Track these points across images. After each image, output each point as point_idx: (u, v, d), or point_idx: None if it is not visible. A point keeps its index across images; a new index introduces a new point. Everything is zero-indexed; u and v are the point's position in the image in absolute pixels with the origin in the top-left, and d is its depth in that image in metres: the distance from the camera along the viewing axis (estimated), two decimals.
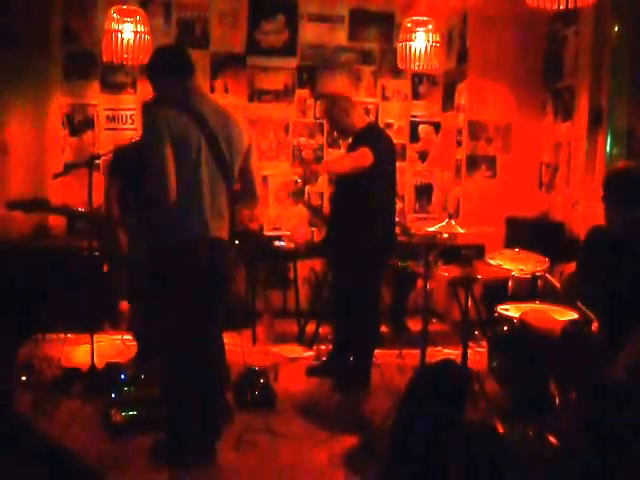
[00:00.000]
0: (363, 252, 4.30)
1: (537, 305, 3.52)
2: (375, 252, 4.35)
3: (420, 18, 5.11)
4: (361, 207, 4.29)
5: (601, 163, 5.21)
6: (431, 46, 5.12)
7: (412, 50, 5.14)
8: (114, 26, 4.79)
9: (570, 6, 3.41)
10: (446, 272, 3.99)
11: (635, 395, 2.26)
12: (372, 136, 4.33)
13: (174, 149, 3.06)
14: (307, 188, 5.91)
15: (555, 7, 3.44)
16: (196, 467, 3.28)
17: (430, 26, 5.09)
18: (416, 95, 6.45)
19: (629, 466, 2.28)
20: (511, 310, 3.53)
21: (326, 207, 5.90)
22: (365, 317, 4.44)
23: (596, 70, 5.18)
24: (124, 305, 5.40)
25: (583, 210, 5.22)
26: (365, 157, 4.13)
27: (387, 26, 6.26)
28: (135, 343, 4.66)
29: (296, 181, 5.54)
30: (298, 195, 4.91)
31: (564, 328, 2.84)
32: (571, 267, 3.14)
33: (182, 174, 3.08)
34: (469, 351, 5.21)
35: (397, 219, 5.78)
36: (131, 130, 5.91)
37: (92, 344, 4.26)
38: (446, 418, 2.34)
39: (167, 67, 3.26)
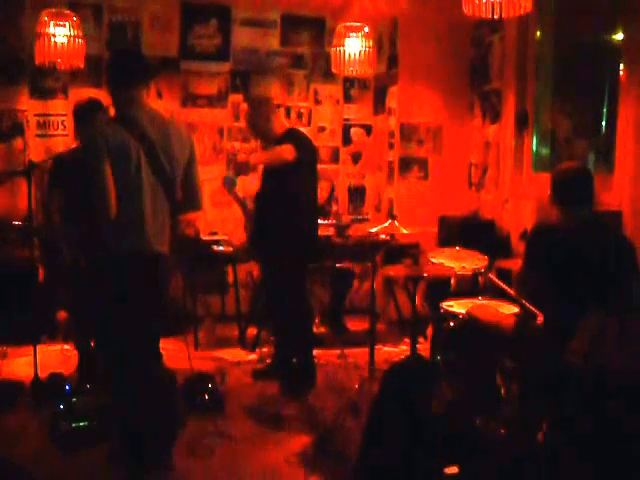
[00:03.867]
0: (285, 251, 4.40)
1: (480, 300, 3.67)
2: (296, 251, 4.44)
3: (354, 24, 5.21)
4: (283, 206, 4.39)
5: (528, 163, 5.47)
6: (365, 51, 5.21)
7: (346, 55, 5.22)
8: (46, 30, 4.69)
9: (504, 16, 3.58)
10: (391, 271, 4.11)
11: (590, 379, 2.42)
12: (294, 137, 4.44)
13: (113, 165, 3.06)
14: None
15: (490, 16, 3.59)
16: (153, 475, 3.27)
17: (364, 31, 5.19)
18: (348, 99, 6.58)
19: (585, 452, 2.43)
20: (455, 306, 3.67)
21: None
22: (292, 316, 4.52)
23: (521, 74, 5.43)
24: (61, 315, 5.29)
25: (512, 208, 5.46)
26: (288, 152, 4.26)
27: (318, 31, 6.36)
28: (76, 353, 4.57)
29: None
30: (232, 185, 4.86)
31: (517, 321, 2.99)
32: (513, 264, 3.30)
33: (122, 189, 3.08)
34: (405, 347, 5.41)
35: (334, 221, 5.92)
36: (63, 136, 5.81)
37: (35, 355, 4.16)
38: (419, 412, 2.43)
39: (116, 72, 3.26)
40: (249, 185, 5.02)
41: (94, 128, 3.22)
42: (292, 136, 4.44)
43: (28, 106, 5.80)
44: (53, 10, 4.76)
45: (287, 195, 4.37)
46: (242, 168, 5.78)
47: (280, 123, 4.59)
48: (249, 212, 4.83)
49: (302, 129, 4.99)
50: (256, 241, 4.69)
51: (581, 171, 3.05)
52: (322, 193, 6.34)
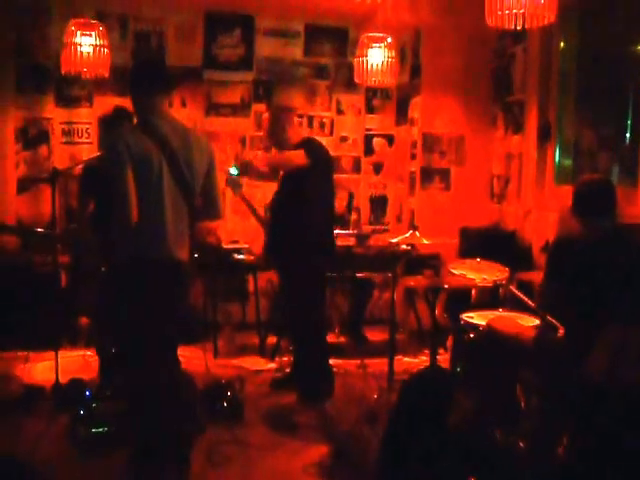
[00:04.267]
0: (300, 260, 4.39)
1: (501, 312, 3.65)
2: (311, 260, 4.42)
3: (377, 34, 5.22)
4: (298, 214, 4.38)
5: (550, 174, 5.43)
6: (387, 61, 5.22)
7: (368, 65, 5.24)
8: (73, 39, 4.76)
9: (527, 27, 3.56)
10: (412, 282, 4.09)
11: (610, 395, 2.39)
12: (308, 145, 4.44)
13: (135, 172, 3.08)
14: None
15: (513, 27, 3.58)
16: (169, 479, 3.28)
17: (386, 42, 5.20)
18: (370, 109, 6.59)
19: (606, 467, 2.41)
20: (476, 318, 3.65)
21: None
22: (308, 325, 4.50)
23: (544, 85, 5.40)
24: (83, 320, 5.33)
25: (534, 219, 5.42)
26: (299, 157, 4.26)
27: (341, 41, 6.39)
28: (97, 358, 4.60)
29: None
30: (236, 185, 4.80)
31: (538, 333, 2.96)
32: (535, 276, 3.28)
33: (143, 196, 3.10)
34: (424, 358, 5.38)
35: (354, 230, 5.92)
36: (87, 144, 5.90)
37: (56, 360, 4.20)
38: (438, 424, 2.42)
39: (137, 81, 3.29)
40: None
41: (116, 135, 3.25)
42: (306, 144, 4.45)
43: (54, 114, 5.89)
44: (80, 20, 4.83)
45: (301, 203, 4.37)
46: (249, 170, 5.80)
47: (297, 133, 4.60)
48: (260, 216, 4.84)
49: (323, 139, 5.01)
50: (272, 250, 4.69)
51: (603, 183, 3.03)
52: (340, 202, 6.35)
